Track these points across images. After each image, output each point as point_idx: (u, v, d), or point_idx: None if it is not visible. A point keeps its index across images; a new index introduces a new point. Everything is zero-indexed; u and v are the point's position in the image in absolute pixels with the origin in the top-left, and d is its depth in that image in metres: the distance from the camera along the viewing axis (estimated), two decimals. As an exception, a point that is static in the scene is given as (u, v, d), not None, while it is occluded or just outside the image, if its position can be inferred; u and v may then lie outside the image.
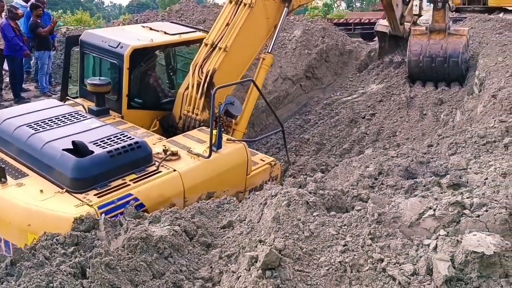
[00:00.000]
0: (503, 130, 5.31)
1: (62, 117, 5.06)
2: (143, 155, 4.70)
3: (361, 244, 3.00)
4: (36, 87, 9.75)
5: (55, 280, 2.63)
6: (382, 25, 12.46)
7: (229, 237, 3.47)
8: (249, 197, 4.44)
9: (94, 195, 4.16)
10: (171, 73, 7.53)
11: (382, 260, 2.84)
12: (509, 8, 16.68)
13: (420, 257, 2.81)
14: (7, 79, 9.66)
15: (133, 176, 4.50)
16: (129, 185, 4.36)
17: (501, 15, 15.15)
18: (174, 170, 4.73)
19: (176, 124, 6.45)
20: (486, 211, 3.05)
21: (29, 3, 10.00)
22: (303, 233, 3.09)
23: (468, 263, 2.62)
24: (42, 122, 4.87)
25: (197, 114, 6.26)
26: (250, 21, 6.43)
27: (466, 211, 3.12)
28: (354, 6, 69.66)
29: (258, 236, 3.23)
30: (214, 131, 5.13)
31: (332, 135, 9.68)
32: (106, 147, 4.47)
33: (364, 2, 73.26)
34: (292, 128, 10.19)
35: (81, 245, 3.57)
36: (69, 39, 7.02)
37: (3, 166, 4.37)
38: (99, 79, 5.99)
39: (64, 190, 4.17)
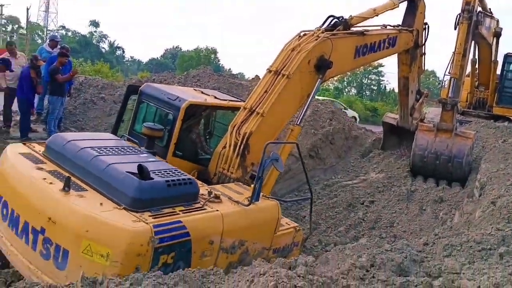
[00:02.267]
0: (499, 238, 5.26)
1: (121, 147, 5.66)
2: (192, 191, 5.12)
3: None
4: (44, 129, 9.89)
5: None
6: (390, 117, 12.78)
7: (210, 312, 3.34)
8: (236, 272, 4.34)
9: (149, 216, 4.50)
10: (207, 135, 8.10)
11: None
12: (512, 118, 17.10)
13: None
14: (16, 118, 9.84)
15: (182, 208, 4.86)
16: (179, 214, 4.73)
17: (506, 123, 15.53)
18: (217, 211, 5.07)
19: (210, 179, 6.73)
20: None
21: (57, 50, 10.41)
22: (287, 319, 2.99)
23: None
24: (104, 148, 5.38)
25: (232, 172, 6.56)
26: (286, 90, 6.87)
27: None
28: (364, 93, 71.92)
29: (240, 315, 3.12)
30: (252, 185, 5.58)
31: (329, 216, 9.62)
32: (164, 177, 4.92)
33: (374, 92, 75.82)
34: (289, 203, 10.14)
35: (57, 298, 3.45)
36: (130, 88, 7.69)
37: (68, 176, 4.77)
38: (154, 124, 6.45)
39: (122, 207, 4.52)
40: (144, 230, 4.22)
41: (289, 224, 6.30)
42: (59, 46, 11.01)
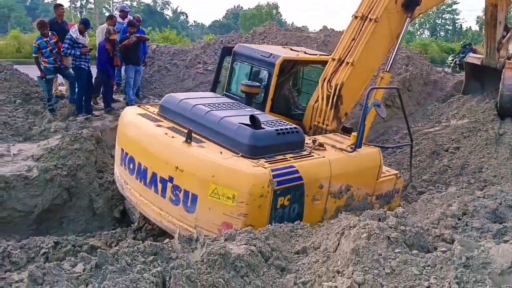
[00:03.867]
0: None
1: (227, 103, 6.03)
2: (299, 139, 5.43)
3: (446, 287, 2.83)
4: (124, 98, 10.35)
5: (139, 286, 2.73)
6: (473, 57, 11.89)
7: (304, 264, 3.42)
8: (323, 225, 4.38)
9: (265, 161, 4.86)
10: (296, 91, 8.21)
11: (469, 308, 2.66)
12: None
13: (514, 310, 2.59)
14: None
15: (291, 155, 5.18)
16: (290, 160, 5.05)
17: None
18: (324, 157, 5.33)
19: (306, 133, 6.84)
20: None
21: (127, 20, 10.71)
22: (384, 269, 2.98)
23: None
24: (213, 104, 5.78)
25: (327, 125, 6.67)
26: (375, 35, 6.73)
27: None
28: (438, 35, 67.43)
29: (335, 267, 3.16)
30: (354, 133, 5.78)
31: (412, 165, 9.33)
32: (273, 127, 5.27)
33: (449, 32, 70.75)
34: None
35: (159, 255, 3.69)
36: (223, 50, 8.05)
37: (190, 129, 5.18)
38: (251, 82, 6.84)
39: (240, 154, 4.91)
40: (264, 173, 4.61)
41: (389, 172, 6.50)
42: (130, 17, 11.29)
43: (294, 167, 4.91)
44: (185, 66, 12.17)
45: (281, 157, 5.08)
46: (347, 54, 6.73)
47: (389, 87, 7.10)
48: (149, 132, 5.52)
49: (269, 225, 4.57)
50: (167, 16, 77.42)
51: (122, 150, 5.97)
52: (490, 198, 5.01)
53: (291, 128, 5.37)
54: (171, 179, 5.01)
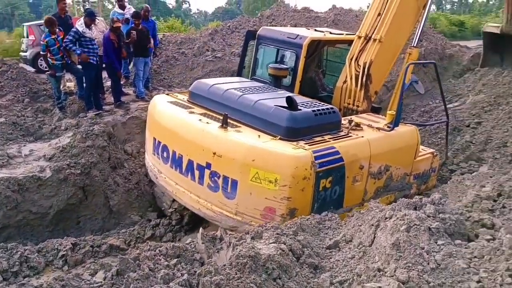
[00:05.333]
0: None
1: (258, 87, 5.91)
2: (336, 119, 5.34)
3: (499, 281, 2.58)
4: (134, 91, 10.10)
5: (165, 298, 2.54)
6: (492, 26, 11.41)
7: (339, 260, 3.19)
8: (352, 216, 4.14)
9: (304, 143, 4.75)
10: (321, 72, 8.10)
11: (527, 304, 2.41)
12: None
13: None
14: (107, 83, 10.11)
15: (329, 136, 5.08)
16: (330, 141, 4.95)
17: None
18: (362, 137, 5.24)
19: None
20: None
21: (129, 11, 10.37)
22: (428, 264, 2.74)
23: None
24: (245, 89, 5.67)
25: (358, 106, 6.54)
26: (401, 8, 6.51)
27: None
28: (444, 8, 65.96)
29: (373, 263, 2.93)
30: (390, 112, 5.67)
31: (432, 142, 9.04)
32: (310, 107, 5.15)
33: (456, 4, 69.16)
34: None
35: (182, 257, 3.49)
36: (248, 34, 7.93)
37: (226, 114, 5.06)
38: (279, 64, 6.73)
39: (278, 137, 4.80)
40: (306, 155, 4.52)
41: (425, 150, 6.44)
42: (129, 6, 10.88)
43: (335, 148, 4.81)
44: (193, 55, 11.88)
45: (320, 138, 4.97)
46: (374, 31, 6.54)
47: (426, 62, 6.91)
48: (182, 119, 5.50)
49: (312, 208, 4.61)
50: (170, 5, 76.70)
51: (155, 139, 5.92)
52: (527, 177, 4.72)
53: (327, 109, 5.28)
54: (208, 166, 4.94)
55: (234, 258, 2.86)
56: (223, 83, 6.03)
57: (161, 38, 12.51)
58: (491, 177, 5.24)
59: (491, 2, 66.49)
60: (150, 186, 7.32)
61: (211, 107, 5.65)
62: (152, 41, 10.02)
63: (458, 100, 10.73)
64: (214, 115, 5.44)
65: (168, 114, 5.80)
